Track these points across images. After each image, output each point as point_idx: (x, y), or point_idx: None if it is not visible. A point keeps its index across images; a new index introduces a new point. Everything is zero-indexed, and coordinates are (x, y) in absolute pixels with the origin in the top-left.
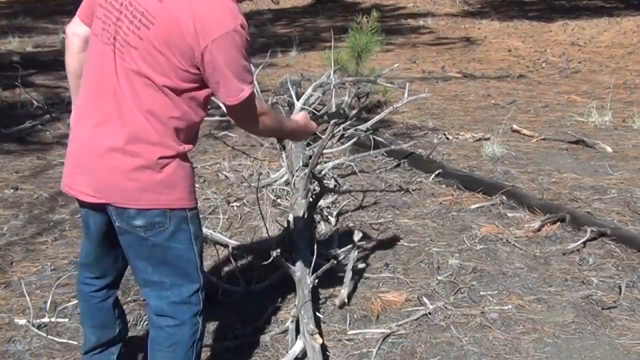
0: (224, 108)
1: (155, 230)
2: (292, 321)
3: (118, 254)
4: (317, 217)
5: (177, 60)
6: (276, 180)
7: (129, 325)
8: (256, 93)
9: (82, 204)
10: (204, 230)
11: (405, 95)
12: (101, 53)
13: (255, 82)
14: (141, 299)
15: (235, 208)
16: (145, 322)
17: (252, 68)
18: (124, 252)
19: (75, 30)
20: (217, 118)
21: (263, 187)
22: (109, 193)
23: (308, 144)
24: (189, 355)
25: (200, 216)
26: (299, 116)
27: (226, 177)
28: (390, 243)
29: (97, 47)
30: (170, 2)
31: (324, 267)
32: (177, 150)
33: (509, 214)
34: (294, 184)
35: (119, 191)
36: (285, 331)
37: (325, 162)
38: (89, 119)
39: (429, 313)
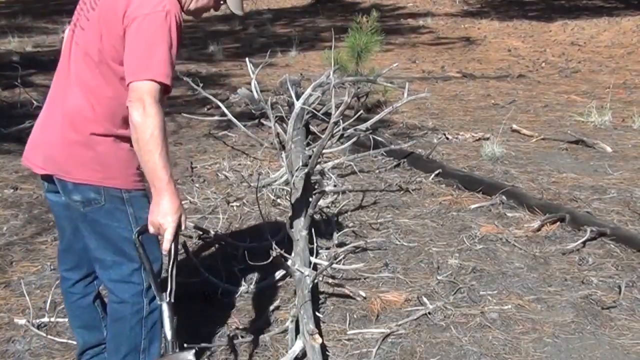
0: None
1: (92, 206)
2: (292, 321)
3: (86, 242)
4: (317, 217)
5: (113, 40)
6: (276, 180)
7: None
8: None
9: (42, 179)
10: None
11: (405, 95)
12: (67, 39)
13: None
14: None
15: (234, 208)
16: None
17: (170, 61)
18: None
19: (67, 32)
20: (216, 118)
21: (263, 187)
22: (52, 165)
23: (308, 144)
24: (135, 332)
25: (200, 216)
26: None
27: (226, 177)
28: (389, 243)
29: (68, 35)
30: None
31: (324, 267)
32: (111, 131)
33: (508, 214)
34: (293, 183)
35: (58, 163)
36: (285, 331)
37: (325, 162)
38: (49, 98)
39: (429, 313)
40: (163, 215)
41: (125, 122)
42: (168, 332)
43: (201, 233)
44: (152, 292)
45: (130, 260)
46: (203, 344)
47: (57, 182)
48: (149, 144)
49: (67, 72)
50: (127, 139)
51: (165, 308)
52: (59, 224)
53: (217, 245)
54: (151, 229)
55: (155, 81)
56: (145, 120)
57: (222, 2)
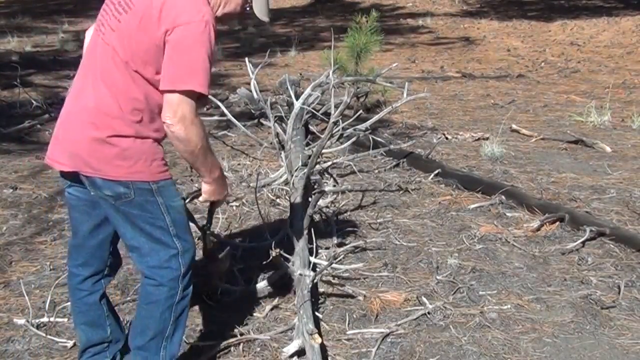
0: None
1: (122, 200)
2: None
3: (101, 240)
4: (316, 217)
5: (146, 44)
6: (275, 180)
7: (127, 324)
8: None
9: (62, 176)
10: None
11: (404, 95)
12: (93, 38)
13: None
14: None
15: (234, 208)
16: None
17: (208, 71)
18: (110, 220)
19: (89, 32)
20: (216, 118)
21: (262, 186)
22: (78, 161)
23: (307, 144)
24: (164, 316)
25: (200, 216)
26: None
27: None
28: (389, 243)
29: (93, 34)
30: None
31: (323, 267)
32: (137, 129)
33: (508, 214)
34: (293, 183)
35: (84, 160)
36: (284, 331)
37: (325, 162)
38: (71, 95)
39: (428, 313)
40: (219, 194)
41: (151, 121)
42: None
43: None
44: (186, 280)
45: (166, 247)
46: (203, 343)
47: (85, 179)
48: (199, 155)
49: (92, 70)
50: (151, 135)
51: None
52: (75, 220)
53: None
54: (201, 200)
55: (194, 91)
56: (190, 135)
57: (247, 8)
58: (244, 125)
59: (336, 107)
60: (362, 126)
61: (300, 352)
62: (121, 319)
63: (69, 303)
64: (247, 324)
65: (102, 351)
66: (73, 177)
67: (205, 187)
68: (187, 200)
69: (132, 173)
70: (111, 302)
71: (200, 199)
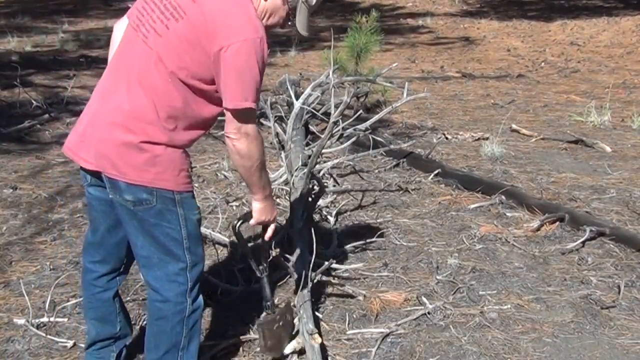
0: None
1: (143, 206)
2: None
3: (120, 238)
4: (316, 217)
5: (196, 55)
6: (275, 180)
7: None
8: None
9: (84, 173)
10: (203, 230)
11: (404, 94)
12: (129, 37)
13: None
14: (140, 298)
15: (234, 207)
16: (144, 322)
17: (260, 86)
18: (123, 224)
19: (119, 25)
20: None
21: None
22: (104, 162)
23: (307, 144)
24: (176, 331)
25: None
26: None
27: (225, 176)
28: (389, 243)
29: (128, 31)
30: (202, 3)
31: (323, 267)
32: (170, 137)
33: (508, 214)
34: (293, 183)
35: (112, 162)
36: None
37: (325, 162)
38: (102, 92)
39: (428, 313)
40: (269, 214)
41: (185, 130)
42: (268, 296)
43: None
44: (194, 293)
45: (176, 260)
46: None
47: (107, 181)
48: (257, 169)
49: (126, 70)
50: (183, 145)
51: (265, 281)
52: (94, 218)
53: (216, 245)
54: (253, 222)
55: (252, 108)
56: (252, 151)
57: (289, 22)
58: None
59: (336, 107)
60: (362, 126)
61: (301, 352)
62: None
63: (69, 303)
64: (247, 324)
65: (108, 345)
66: (94, 175)
67: (256, 206)
68: (239, 224)
69: (158, 180)
70: (123, 301)
71: (252, 221)
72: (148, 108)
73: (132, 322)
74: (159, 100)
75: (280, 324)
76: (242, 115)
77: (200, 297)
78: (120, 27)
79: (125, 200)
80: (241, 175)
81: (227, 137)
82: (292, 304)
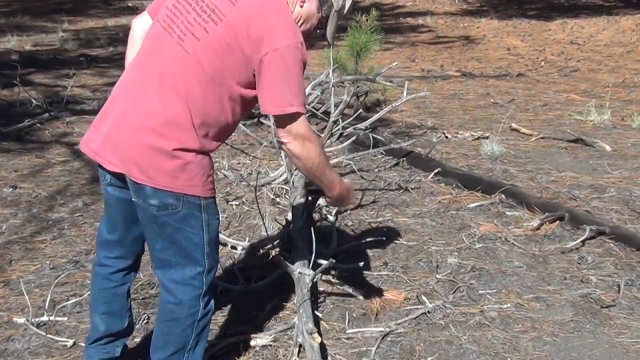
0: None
1: (168, 211)
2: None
3: (138, 235)
4: (316, 216)
5: (236, 59)
6: (275, 179)
7: None
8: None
9: (104, 172)
10: None
11: (404, 94)
12: (159, 37)
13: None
14: (140, 297)
15: (234, 207)
16: (144, 321)
17: (305, 91)
18: (142, 225)
19: (139, 22)
20: None
21: (262, 185)
22: (130, 165)
23: None
24: (186, 333)
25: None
26: (346, 181)
27: (225, 175)
28: (389, 242)
29: (157, 31)
30: (242, 6)
31: (323, 266)
32: (201, 144)
33: (508, 213)
34: (292, 182)
35: (140, 167)
36: (284, 330)
37: None
38: (128, 92)
39: (428, 312)
40: (345, 203)
41: (215, 137)
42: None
43: None
44: (207, 297)
45: (194, 264)
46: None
47: (132, 184)
48: (318, 169)
49: (158, 73)
50: (211, 150)
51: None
52: (112, 217)
53: None
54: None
55: (299, 112)
56: (308, 153)
57: (317, 31)
58: (243, 124)
59: (336, 106)
60: (362, 125)
61: (301, 351)
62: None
63: (69, 302)
64: (247, 324)
65: (114, 340)
66: (116, 175)
67: (330, 202)
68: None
69: (187, 186)
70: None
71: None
72: (183, 114)
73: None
74: (195, 106)
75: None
76: (290, 119)
77: (212, 300)
78: (140, 24)
79: (149, 205)
80: (306, 177)
81: (281, 142)
82: None
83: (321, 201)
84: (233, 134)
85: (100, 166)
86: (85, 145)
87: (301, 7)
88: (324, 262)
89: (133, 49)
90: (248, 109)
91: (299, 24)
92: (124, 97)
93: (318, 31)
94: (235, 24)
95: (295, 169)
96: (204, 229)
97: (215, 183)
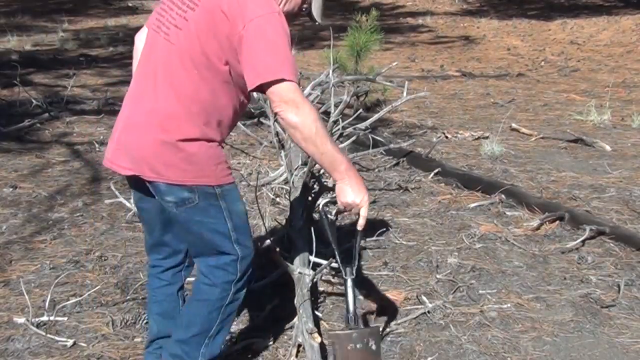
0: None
1: (186, 205)
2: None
3: (175, 232)
4: (316, 216)
5: (217, 41)
6: (275, 179)
7: (127, 323)
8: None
9: (130, 186)
10: None
11: (404, 94)
12: (151, 39)
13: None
14: (140, 297)
15: None
16: (145, 321)
17: (294, 60)
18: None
19: (140, 36)
20: None
21: (262, 185)
22: (142, 165)
23: None
24: (212, 316)
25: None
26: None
27: None
28: (389, 242)
29: (149, 35)
30: None
31: (323, 266)
32: (205, 133)
33: (507, 213)
34: (292, 182)
35: (150, 164)
36: (284, 330)
37: None
38: (131, 98)
39: (428, 312)
40: (356, 194)
41: (218, 124)
42: (351, 306)
43: None
44: (240, 284)
45: (226, 254)
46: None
47: (149, 185)
48: (317, 138)
49: (152, 73)
50: (217, 138)
51: (350, 284)
52: (147, 221)
53: None
54: (339, 206)
55: (287, 79)
56: (304, 118)
57: (304, 8)
58: (243, 124)
59: (336, 106)
60: (362, 125)
61: (300, 351)
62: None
63: (68, 302)
64: (247, 324)
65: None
66: (138, 184)
67: (337, 189)
68: (326, 210)
69: (198, 177)
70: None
71: (338, 204)
72: (179, 104)
73: (133, 322)
74: (187, 95)
75: (357, 347)
76: (278, 87)
77: (244, 290)
78: (141, 37)
79: (166, 202)
80: (307, 152)
81: (276, 114)
82: (380, 329)
83: (321, 200)
84: (233, 133)
85: (127, 178)
86: (105, 159)
87: None
88: (323, 262)
89: (135, 62)
90: (238, 93)
91: (283, 2)
92: (128, 103)
93: (304, 9)
94: (211, 6)
95: (295, 169)
96: (226, 217)
97: None
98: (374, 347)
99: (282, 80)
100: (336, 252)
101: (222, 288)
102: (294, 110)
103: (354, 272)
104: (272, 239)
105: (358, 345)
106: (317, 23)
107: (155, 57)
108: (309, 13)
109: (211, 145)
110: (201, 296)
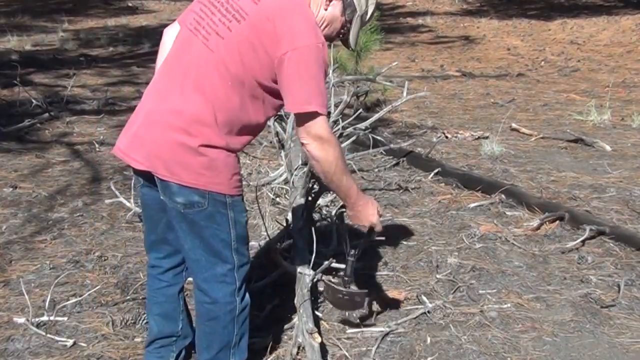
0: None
1: (195, 209)
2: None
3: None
4: (316, 216)
5: (258, 57)
6: (275, 179)
7: (127, 323)
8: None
9: (136, 173)
10: None
11: (404, 93)
12: (186, 39)
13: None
14: (140, 297)
15: None
16: (145, 321)
17: (326, 93)
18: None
19: (169, 31)
20: None
21: (262, 185)
22: (157, 163)
23: None
24: (227, 330)
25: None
26: (371, 199)
27: None
28: (389, 242)
29: (184, 34)
30: (265, 5)
31: (323, 266)
32: (226, 141)
33: (507, 213)
34: (292, 182)
35: (165, 163)
36: (285, 330)
37: None
38: (155, 93)
39: (428, 312)
40: (366, 220)
41: (239, 134)
42: (348, 270)
43: None
44: (242, 292)
45: (224, 262)
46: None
47: (159, 182)
48: (337, 173)
49: (182, 72)
50: (237, 148)
51: (351, 259)
52: (150, 217)
53: None
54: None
55: (317, 112)
56: (326, 155)
57: (341, 34)
58: None
59: (336, 106)
60: (362, 125)
61: (300, 351)
62: (191, 315)
63: (68, 302)
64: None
65: (169, 344)
66: (147, 176)
67: (350, 215)
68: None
69: (212, 183)
70: (186, 302)
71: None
72: (207, 111)
73: (133, 321)
74: (218, 103)
75: (345, 297)
76: (309, 119)
77: (247, 294)
78: (170, 32)
79: (175, 203)
80: (324, 182)
81: (302, 143)
82: (367, 292)
83: (321, 201)
84: None
85: (133, 170)
86: (116, 148)
87: (325, 10)
88: (324, 262)
89: (162, 56)
90: (273, 109)
91: (322, 27)
92: (151, 97)
93: (341, 36)
94: (258, 23)
95: (295, 169)
96: (231, 226)
97: None
98: (359, 299)
99: (314, 113)
100: (346, 238)
101: (225, 302)
102: (318, 145)
103: (356, 255)
104: (272, 238)
105: (346, 297)
106: (349, 49)
107: (189, 58)
108: (346, 39)
109: (230, 155)
110: (209, 316)
